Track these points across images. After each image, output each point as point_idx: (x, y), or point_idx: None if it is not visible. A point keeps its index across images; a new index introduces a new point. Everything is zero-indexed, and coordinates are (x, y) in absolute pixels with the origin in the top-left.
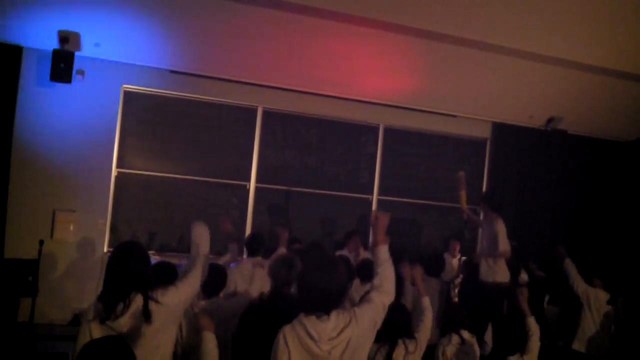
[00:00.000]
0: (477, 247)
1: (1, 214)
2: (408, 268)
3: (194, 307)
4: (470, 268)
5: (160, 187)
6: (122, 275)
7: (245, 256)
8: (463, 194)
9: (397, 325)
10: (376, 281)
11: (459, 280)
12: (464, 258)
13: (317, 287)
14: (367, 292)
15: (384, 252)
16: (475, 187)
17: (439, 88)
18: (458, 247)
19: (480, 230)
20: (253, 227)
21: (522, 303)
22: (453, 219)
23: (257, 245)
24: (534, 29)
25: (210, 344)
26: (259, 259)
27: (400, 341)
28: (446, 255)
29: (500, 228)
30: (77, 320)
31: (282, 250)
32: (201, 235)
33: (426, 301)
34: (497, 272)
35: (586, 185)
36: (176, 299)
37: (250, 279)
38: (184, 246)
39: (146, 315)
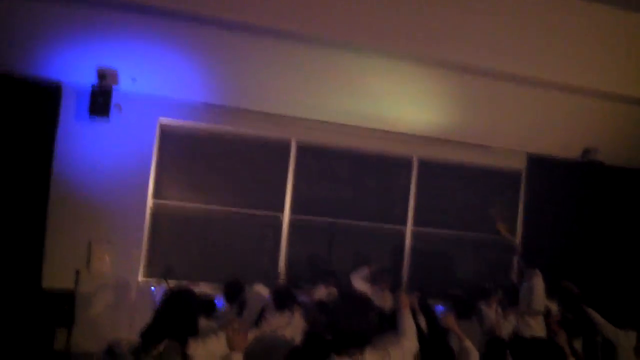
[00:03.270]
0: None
1: (39, 245)
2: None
3: None
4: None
5: (196, 218)
6: (164, 320)
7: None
8: (502, 227)
9: None
10: (401, 330)
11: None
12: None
13: (351, 327)
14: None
15: (407, 315)
16: (510, 219)
17: (473, 120)
18: (496, 299)
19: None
20: (287, 260)
21: (562, 343)
22: (487, 252)
23: (285, 300)
24: (569, 61)
25: None
26: (286, 314)
27: None
28: (482, 303)
29: (537, 284)
30: (112, 351)
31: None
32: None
33: (468, 343)
34: (534, 327)
35: (623, 217)
36: (214, 349)
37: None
38: (216, 276)
39: None
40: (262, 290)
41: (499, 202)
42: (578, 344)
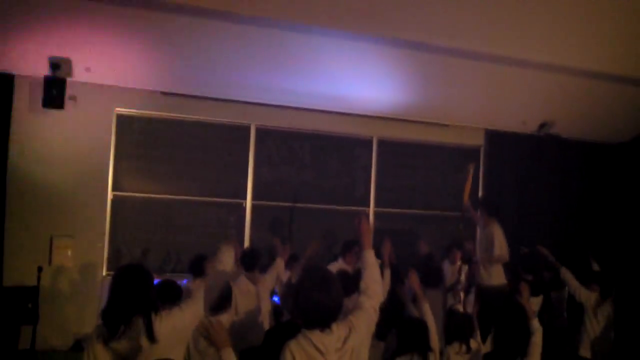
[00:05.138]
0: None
1: None
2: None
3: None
4: (470, 275)
5: (157, 209)
6: (124, 297)
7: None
8: (468, 186)
9: (417, 338)
10: (362, 285)
11: (460, 286)
12: (464, 265)
13: (315, 303)
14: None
15: (370, 256)
16: (471, 194)
17: (430, 98)
18: (459, 255)
19: (478, 234)
20: (251, 245)
21: (524, 303)
22: (450, 228)
23: (252, 261)
24: (523, 36)
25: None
26: (256, 274)
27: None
28: (446, 263)
29: (497, 232)
30: (78, 345)
31: (279, 262)
32: (222, 256)
33: (426, 307)
34: (493, 276)
35: (580, 188)
36: (180, 321)
37: (249, 295)
38: (181, 266)
39: (150, 337)
40: (228, 256)
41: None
42: (537, 303)
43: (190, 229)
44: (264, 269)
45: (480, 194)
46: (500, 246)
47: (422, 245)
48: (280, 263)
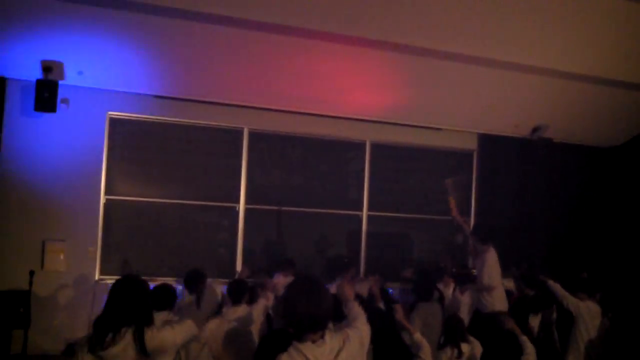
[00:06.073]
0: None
1: None
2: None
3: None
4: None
5: (150, 212)
6: (118, 308)
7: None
8: (452, 200)
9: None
10: (350, 318)
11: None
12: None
13: (304, 312)
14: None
15: (354, 308)
16: (464, 198)
17: (423, 102)
18: (452, 282)
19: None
20: (244, 249)
21: (508, 325)
22: (443, 232)
23: (240, 294)
24: (515, 40)
25: None
26: (243, 307)
27: None
28: (441, 286)
29: (488, 261)
30: (70, 350)
31: (267, 296)
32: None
33: (418, 336)
34: (496, 302)
35: (573, 191)
36: (170, 339)
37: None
38: (174, 271)
39: (142, 350)
40: (216, 287)
41: (456, 176)
42: (536, 320)
43: (183, 233)
44: (252, 300)
45: (473, 197)
46: (488, 276)
47: (406, 272)
48: (262, 304)
